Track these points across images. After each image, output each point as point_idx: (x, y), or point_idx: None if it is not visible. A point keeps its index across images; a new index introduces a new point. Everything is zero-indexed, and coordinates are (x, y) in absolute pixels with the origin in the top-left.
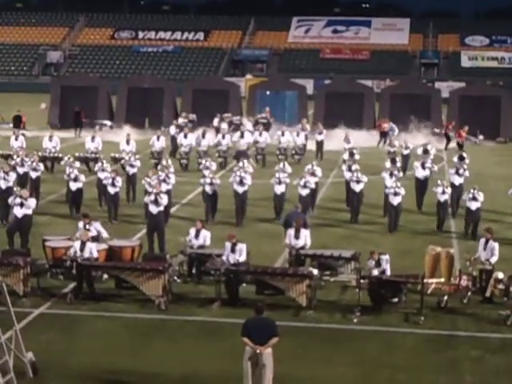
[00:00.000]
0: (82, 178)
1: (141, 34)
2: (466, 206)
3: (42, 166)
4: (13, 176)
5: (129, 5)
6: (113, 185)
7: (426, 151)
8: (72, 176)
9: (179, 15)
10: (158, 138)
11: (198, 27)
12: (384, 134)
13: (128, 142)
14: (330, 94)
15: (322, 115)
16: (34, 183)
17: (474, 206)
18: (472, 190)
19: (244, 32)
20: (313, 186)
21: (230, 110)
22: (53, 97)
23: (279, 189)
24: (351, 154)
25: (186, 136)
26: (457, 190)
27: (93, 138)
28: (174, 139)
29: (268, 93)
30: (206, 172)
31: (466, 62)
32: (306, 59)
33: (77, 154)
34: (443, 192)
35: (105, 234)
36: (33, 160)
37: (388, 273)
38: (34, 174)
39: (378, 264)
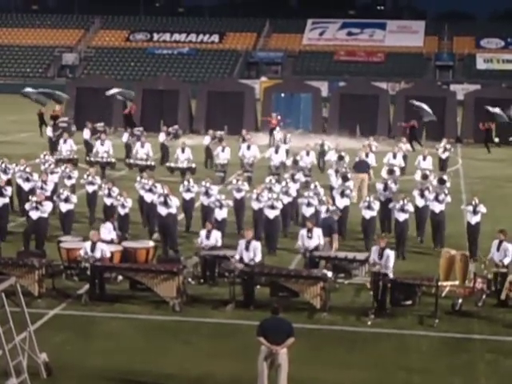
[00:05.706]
0: (74, 198)
1: (156, 36)
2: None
3: (98, 180)
4: (50, 185)
5: (144, 7)
6: (165, 203)
7: (441, 181)
8: (62, 196)
9: (194, 17)
10: (277, 150)
11: (213, 29)
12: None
13: (183, 150)
14: (344, 96)
15: (337, 117)
16: (91, 197)
17: (437, 208)
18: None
19: (259, 34)
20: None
21: (244, 113)
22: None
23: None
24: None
25: (223, 150)
26: (438, 219)
27: (102, 142)
28: (164, 146)
29: (283, 95)
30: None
31: (481, 65)
32: (320, 61)
33: (87, 159)
34: (402, 209)
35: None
36: (88, 174)
37: (390, 270)
38: (90, 188)
39: (381, 255)
